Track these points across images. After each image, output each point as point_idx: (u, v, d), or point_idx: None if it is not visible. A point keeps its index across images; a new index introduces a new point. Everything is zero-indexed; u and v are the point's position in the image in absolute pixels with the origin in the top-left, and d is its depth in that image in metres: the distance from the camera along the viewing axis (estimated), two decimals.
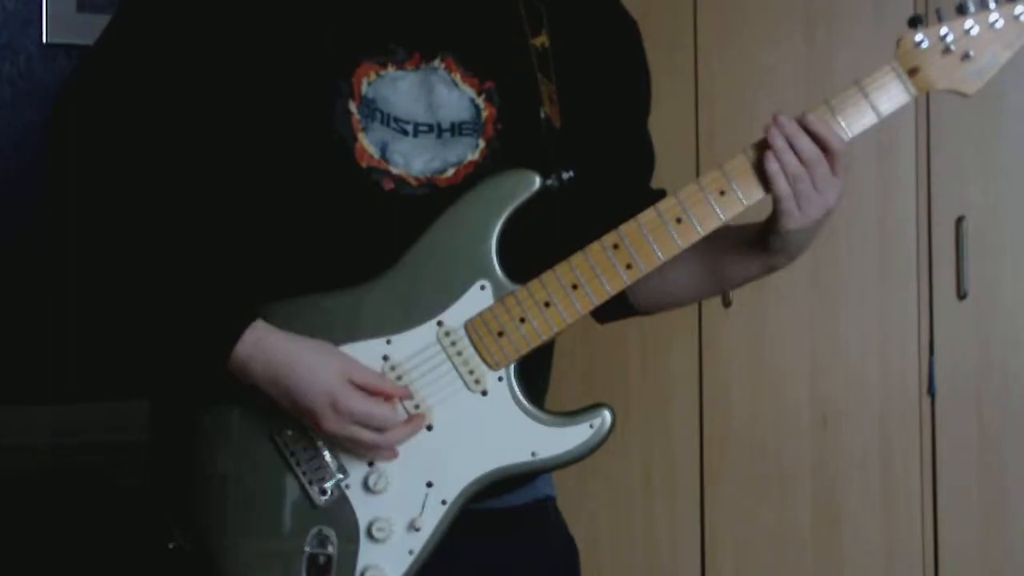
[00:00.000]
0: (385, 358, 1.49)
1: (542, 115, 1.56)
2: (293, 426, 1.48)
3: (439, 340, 1.49)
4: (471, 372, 1.49)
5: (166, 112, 1.50)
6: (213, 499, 1.49)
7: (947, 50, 1.51)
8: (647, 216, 1.51)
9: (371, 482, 1.48)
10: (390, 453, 1.48)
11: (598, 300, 1.51)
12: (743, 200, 1.52)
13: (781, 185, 1.49)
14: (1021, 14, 1.50)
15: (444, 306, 1.50)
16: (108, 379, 2.42)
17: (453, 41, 1.54)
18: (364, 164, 1.51)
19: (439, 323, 1.49)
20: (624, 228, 1.51)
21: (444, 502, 1.48)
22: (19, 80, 2.85)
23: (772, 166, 1.49)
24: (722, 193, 1.51)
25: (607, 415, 1.50)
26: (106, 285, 1.52)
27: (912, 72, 1.52)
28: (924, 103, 2.74)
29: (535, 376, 1.56)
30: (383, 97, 1.52)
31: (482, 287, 1.50)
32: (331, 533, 1.48)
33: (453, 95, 1.54)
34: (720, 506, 2.88)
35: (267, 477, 1.48)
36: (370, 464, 1.48)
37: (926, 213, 2.84)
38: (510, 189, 1.50)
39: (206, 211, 1.54)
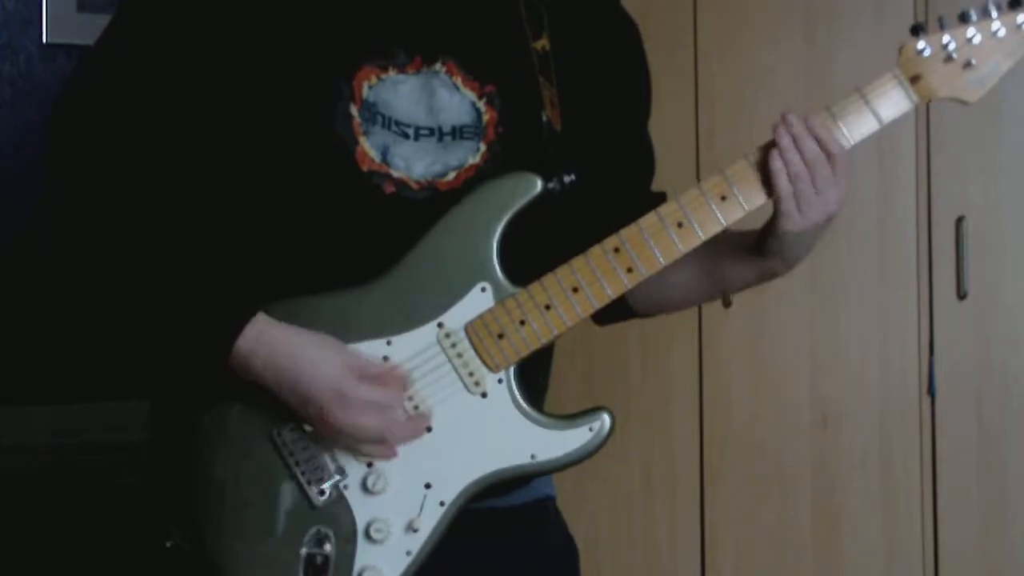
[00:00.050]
0: (385, 359, 1.48)
1: (543, 118, 1.56)
2: (292, 426, 1.48)
3: (439, 342, 1.49)
4: (471, 374, 1.49)
5: (167, 112, 1.50)
6: (211, 499, 1.49)
7: (949, 58, 1.52)
8: (648, 220, 1.51)
9: (369, 483, 1.48)
10: (389, 450, 1.47)
11: (598, 303, 1.51)
12: (744, 205, 1.52)
13: (782, 183, 1.49)
14: (1023, 23, 1.51)
15: (445, 308, 1.50)
16: (108, 379, 2.42)
17: (454, 45, 1.54)
18: (365, 168, 1.51)
19: (439, 324, 1.49)
20: (625, 232, 1.51)
21: (442, 503, 1.48)
22: (19, 80, 2.85)
23: (775, 163, 1.49)
24: (723, 198, 1.51)
25: (606, 418, 1.50)
26: (106, 285, 1.52)
27: (914, 79, 1.52)
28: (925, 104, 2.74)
29: (535, 377, 1.56)
30: (384, 101, 1.52)
31: (483, 289, 1.50)
32: (329, 533, 1.47)
33: (454, 99, 1.54)
34: (720, 506, 2.88)
35: (265, 477, 1.48)
36: (369, 465, 1.48)
37: (926, 213, 2.85)
38: (511, 192, 1.50)
39: (207, 212, 1.53)
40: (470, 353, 1.49)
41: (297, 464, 1.48)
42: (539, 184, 1.50)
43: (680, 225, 1.51)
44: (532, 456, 1.50)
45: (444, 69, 1.54)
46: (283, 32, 1.50)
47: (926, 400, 2.85)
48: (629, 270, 1.51)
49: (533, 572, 1.61)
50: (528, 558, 1.60)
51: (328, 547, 1.47)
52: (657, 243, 1.51)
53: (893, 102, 1.52)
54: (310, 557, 1.47)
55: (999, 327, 2.85)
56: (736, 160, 1.53)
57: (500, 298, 1.50)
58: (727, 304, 2.82)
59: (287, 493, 1.48)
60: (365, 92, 1.51)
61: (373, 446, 1.47)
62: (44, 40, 2.86)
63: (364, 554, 1.48)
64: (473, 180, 1.52)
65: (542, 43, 1.59)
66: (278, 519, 1.48)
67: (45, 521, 2.51)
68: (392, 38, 1.53)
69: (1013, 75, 1.55)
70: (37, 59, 2.86)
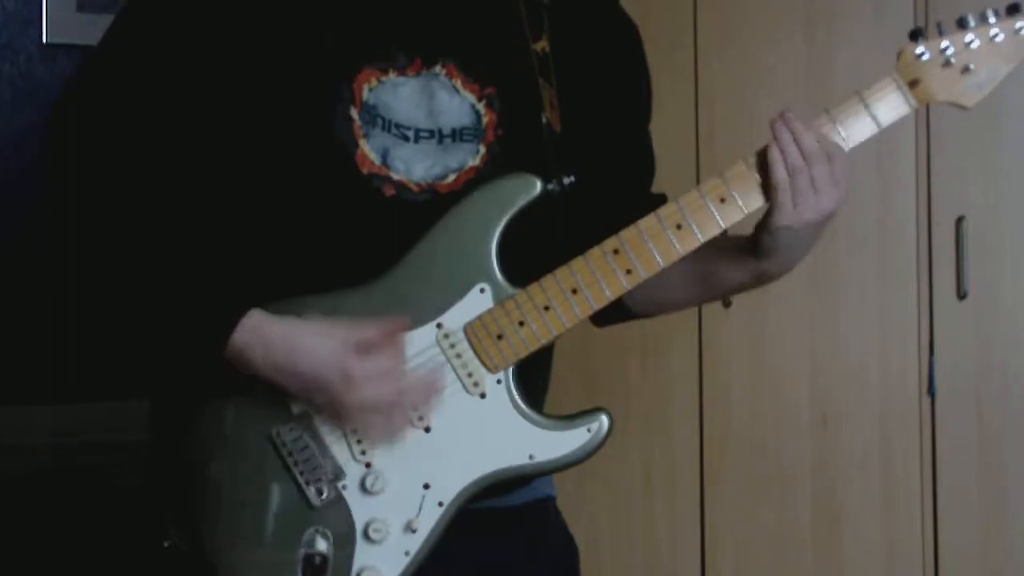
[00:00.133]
0: None
1: (543, 120, 1.56)
2: (291, 426, 1.48)
3: (438, 342, 1.49)
4: (470, 375, 1.50)
5: (167, 114, 1.50)
6: (210, 499, 1.49)
7: (947, 63, 1.52)
8: (647, 222, 1.51)
9: (368, 483, 1.48)
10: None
11: (597, 305, 1.51)
12: (743, 207, 1.52)
13: (779, 173, 1.49)
14: (1021, 29, 1.51)
15: (444, 308, 1.50)
16: (108, 378, 2.42)
17: (454, 47, 1.54)
18: (365, 170, 1.51)
19: (438, 325, 1.50)
20: (624, 233, 1.51)
21: (441, 504, 1.48)
22: (19, 80, 2.85)
23: (773, 153, 1.49)
24: (722, 200, 1.52)
25: (604, 419, 1.50)
26: (106, 284, 1.52)
27: (913, 84, 1.53)
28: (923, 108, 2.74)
29: (534, 378, 1.56)
30: (384, 103, 1.52)
31: (482, 290, 1.50)
32: (327, 533, 1.47)
33: (454, 101, 1.54)
34: (720, 506, 2.88)
35: (264, 477, 1.48)
36: (367, 465, 1.48)
37: (926, 213, 2.85)
38: (511, 193, 1.50)
39: (207, 213, 1.54)
40: (469, 354, 1.49)
41: (296, 464, 1.48)
42: (538, 185, 1.50)
43: (679, 227, 1.51)
44: (530, 457, 1.50)
45: (444, 71, 1.54)
46: (284, 35, 1.50)
47: (926, 400, 2.85)
48: (628, 272, 1.51)
49: (533, 572, 1.61)
50: (528, 558, 1.60)
51: (326, 547, 1.47)
52: (656, 245, 1.51)
53: (892, 106, 1.53)
54: (308, 557, 1.47)
55: (999, 327, 2.85)
56: (735, 162, 1.53)
57: (499, 299, 1.50)
58: (727, 304, 2.82)
59: (286, 493, 1.48)
60: (365, 94, 1.51)
61: (390, 421, 1.46)
62: (44, 40, 2.86)
63: (363, 554, 1.48)
64: (473, 182, 1.52)
65: (542, 45, 1.59)
66: (277, 519, 1.48)
67: (45, 521, 2.51)
68: (392, 40, 1.53)
69: (1013, 76, 1.55)
70: (37, 59, 2.86)
